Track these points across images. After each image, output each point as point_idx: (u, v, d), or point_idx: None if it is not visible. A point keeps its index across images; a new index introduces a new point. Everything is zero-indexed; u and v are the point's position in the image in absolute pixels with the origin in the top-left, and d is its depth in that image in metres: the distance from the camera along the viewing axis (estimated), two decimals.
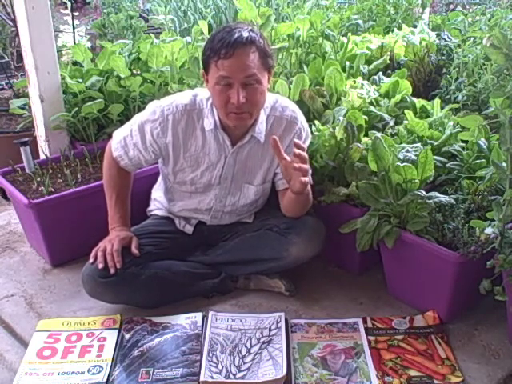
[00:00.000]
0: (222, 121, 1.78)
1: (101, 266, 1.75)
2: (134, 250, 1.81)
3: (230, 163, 1.86)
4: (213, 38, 1.67)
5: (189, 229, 1.99)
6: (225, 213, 1.98)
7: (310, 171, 1.76)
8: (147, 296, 1.86)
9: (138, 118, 1.85)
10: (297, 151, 1.63)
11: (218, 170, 1.87)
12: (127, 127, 1.88)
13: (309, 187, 1.77)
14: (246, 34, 1.64)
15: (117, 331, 1.77)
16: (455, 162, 1.96)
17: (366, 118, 2.07)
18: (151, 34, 2.87)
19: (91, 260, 1.79)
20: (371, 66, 2.65)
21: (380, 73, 2.55)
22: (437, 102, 2.21)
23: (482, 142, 1.92)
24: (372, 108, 2.19)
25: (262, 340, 1.72)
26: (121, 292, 1.81)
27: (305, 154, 1.65)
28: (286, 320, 1.81)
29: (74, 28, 3.67)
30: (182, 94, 1.87)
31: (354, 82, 2.30)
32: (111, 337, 1.75)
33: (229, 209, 1.97)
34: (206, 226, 2.01)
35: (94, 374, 1.61)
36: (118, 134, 1.90)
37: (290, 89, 2.30)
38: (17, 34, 3.13)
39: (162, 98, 2.53)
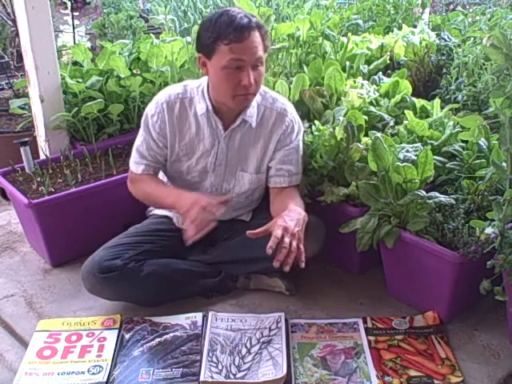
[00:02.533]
0: (216, 105, 1.83)
1: (198, 235, 1.65)
2: (222, 199, 1.76)
3: (223, 148, 1.88)
4: (215, 22, 1.69)
5: None
6: None
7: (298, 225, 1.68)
8: (146, 293, 1.86)
9: (141, 128, 1.92)
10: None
11: (212, 155, 1.89)
12: (138, 141, 1.91)
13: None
14: (253, 19, 1.71)
15: (117, 331, 1.77)
16: (455, 162, 1.96)
17: (366, 117, 2.07)
18: (151, 34, 2.87)
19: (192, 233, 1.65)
20: (371, 66, 2.65)
21: (380, 73, 2.55)
22: (437, 102, 2.21)
23: (482, 141, 1.92)
24: (372, 108, 2.19)
25: (262, 340, 1.72)
26: (120, 288, 1.82)
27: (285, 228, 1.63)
28: (286, 320, 1.81)
29: (74, 28, 3.67)
30: (173, 86, 1.94)
31: (354, 82, 2.30)
32: (111, 337, 1.75)
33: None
34: None
35: (94, 374, 1.61)
36: (133, 154, 1.93)
37: (290, 89, 2.30)
38: (17, 34, 3.13)
39: None
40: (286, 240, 1.60)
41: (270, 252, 1.58)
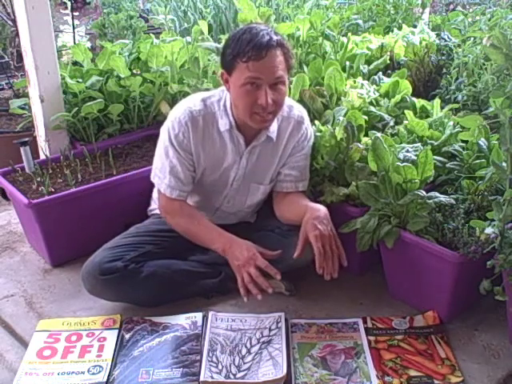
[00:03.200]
0: (238, 121, 1.81)
1: (260, 296, 1.71)
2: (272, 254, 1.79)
3: (244, 163, 1.88)
4: (237, 39, 1.67)
5: None
6: (231, 213, 1.99)
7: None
8: (147, 294, 1.85)
9: (162, 149, 1.84)
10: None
11: (233, 171, 1.89)
12: (164, 164, 1.83)
13: None
14: (275, 37, 1.67)
15: (117, 331, 1.77)
16: (455, 162, 1.97)
17: (366, 117, 2.07)
18: (151, 34, 2.87)
19: (245, 298, 1.74)
20: (371, 66, 2.65)
21: (380, 73, 2.55)
22: (437, 102, 2.21)
23: (482, 141, 1.92)
24: (372, 108, 2.19)
25: (262, 340, 1.72)
26: (120, 289, 1.82)
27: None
28: (286, 320, 1.81)
29: (74, 28, 3.67)
30: (190, 101, 1.86)
31: (354, 82, 2.30)
32: (111, 337, 1.75)
33: (235, 209, 1.98)
34: None
35: (94, 374, 1.61)
36: (162, 182, 1.85)
37: (290, 89, 2.30)
38: (17, 34, 3.14)
39: (161, 98, 2.58)
40: (327, 248, 1.70)
41: (321, 272, 1.72)
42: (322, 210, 1.77)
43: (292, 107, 1.92)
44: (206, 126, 1.82)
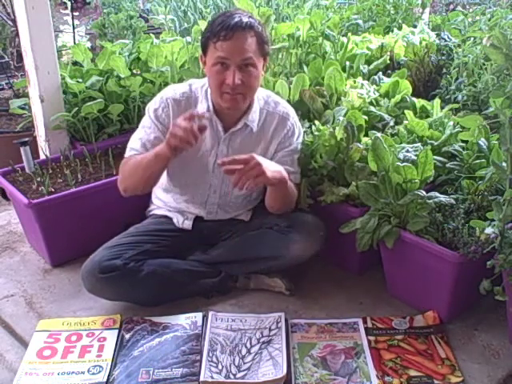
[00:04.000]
0: (216, 105, 1.84)
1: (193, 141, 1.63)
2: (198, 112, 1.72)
3: (223, 150, 1.89)
4: (213, 22, 1.75)
5: (188, 224, 1.99)
6: (220, 206, 1.98)
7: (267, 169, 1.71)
8: (146, 293, 1.86)
9: (143, 121, 1.90)
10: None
11: (212, 156, 1.90)
12: (138, 133, 1.88)
13: (288, 182, 1.80)
14: (245, 19, 1.72)
15: (117, 331, 1.77)
16: (455, 162, 1.97)
17: (366, 117, 2.07)
18: (151, 34, 2.87)
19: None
20: (371, 66, 2.65)
21: (380, 73, 2.55)
22: (437, 102, 2.21)
23: (482, 141, 1.92)
24: (372, 108, 2.19)
25: (262, 340, 1.72)
26: (120, 288, 1.82)
27: (239, 158, 1.68)
28: (286, 320, 1.81)
29: (74, 28, 3.67)
30: (177, 84, 1.96)
31: (354, 82, 2.30)
32: (111, 337, 1.75)
33: (223, 200, 1.97)
34: (204, 223, 2.01)
35: (94, 374, 1.61)
36: (132, 143, 1.88)
37: (289, 89, 2.30)
38: (17, 34, 3.13)
39: None
40: (246, 166, 1.65)
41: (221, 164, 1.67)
42: (281, 168, 1.77)
43: (278, 103, 1.95)
44: (188, 108, 1.84)
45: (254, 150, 1.90)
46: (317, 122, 2.07)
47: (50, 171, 2.27)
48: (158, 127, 1.85)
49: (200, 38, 1.82)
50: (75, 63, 2.75)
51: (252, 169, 1.66)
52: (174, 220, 2.00)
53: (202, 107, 1.85)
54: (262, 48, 1.76)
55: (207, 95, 1.85)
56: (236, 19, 1.70)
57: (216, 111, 1.85)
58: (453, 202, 1.76)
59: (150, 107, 1.88)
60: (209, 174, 1.92)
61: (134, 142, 1.87)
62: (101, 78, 2.51)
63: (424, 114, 2.25)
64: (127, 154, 1.87)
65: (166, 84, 2.55)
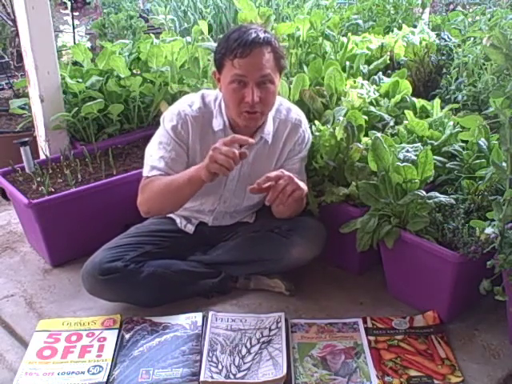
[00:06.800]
0: (232, 121, 1.80)
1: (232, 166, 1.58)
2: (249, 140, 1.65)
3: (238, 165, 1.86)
4: (227, 38, 1.69)
5: (190, 228, 1.99)
6: (227, 213, 1.98)
7: (299, 183, 1.68)
8: (147, 294, 1.86)
9: (160, 137, 1.81)
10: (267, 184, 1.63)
11: None
12: (157, 151, 1.78)
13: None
14: (262, 35, 1.67)
15: (117, 331, 1.77)
16: (455, 162, 1.97)
17: (366, 117, 2.07)
18: (151, 34, 2.87)
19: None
20: (371, 66, 2.65)
21: (380, 73, 2.55)
22: (437, 102, 2.21)
23: (482, 141, 1.92)
24: (372, 108, 2.19)
25: (262, 340, 1.72)
26: (120, 290, 1.82)
27: (277, 174, 1.64)
28: (286, 320, 1.81)
29: (74, 28, 3.67)
30: (191, 98, 1.87)
31: (354, 82, 2.30)
32: (111, 337, 1.75)
33: (232, 210, 1.97)
34: (207, 226, 2.01)
35: (94, 374, 1.61)
36: (153, 161, 1.78)
37: (290, 89, 2.30)
38: (17, 34, 3.13)
39: (161, 98, 2.58)
40: (281, 182, 1.61)
41: (259, 187, 1.63)
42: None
43: (290, 110, 1.91)
44: (205, 124, 1.81)
45: (268, 162, 1.89)
46: (317, 122, 2.07)
47: (50, 171, 2.28)
48: (179, 144, 1.79)
49: (214, 54, 1.76)
50: (75, 63, 2.75)
51: (288, 184, 1.62)
52: (177, 221, 2.00)
53: (217, 123, 1.80)
54: (279, 63, 1.73)
55: (221, 110, 1.81)
56: (253, 35, 1.65)
57: (231, 126, 1.81)
58: (453, 202, 1.76)
59: (167, 123, 1.79)
60: (221, 187, 1.90)
61: (156, 161, 1.77)
62: (101, 78, 2.51)
63: (424, 114, 2.25)
64: (149, 173, 1.78)
65: (166, 84, 2.56)
